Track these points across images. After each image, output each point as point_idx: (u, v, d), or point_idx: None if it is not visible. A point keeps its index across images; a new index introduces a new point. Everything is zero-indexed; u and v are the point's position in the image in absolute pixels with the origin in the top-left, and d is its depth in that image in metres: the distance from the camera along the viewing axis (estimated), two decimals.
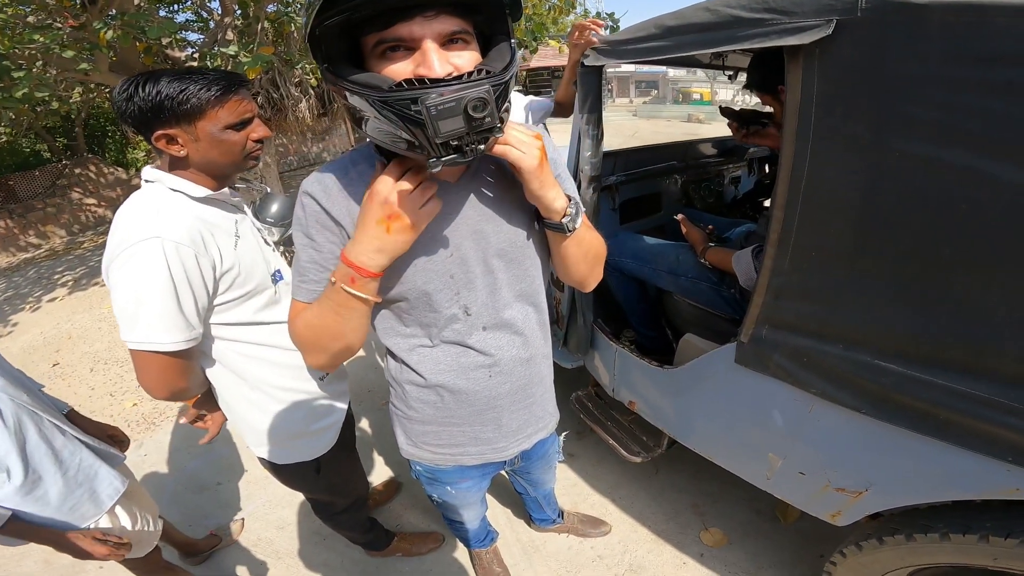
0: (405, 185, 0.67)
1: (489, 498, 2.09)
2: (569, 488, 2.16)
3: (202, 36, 4.92)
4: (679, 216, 1.80)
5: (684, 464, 2.15)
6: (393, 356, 0.96)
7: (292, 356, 1.18)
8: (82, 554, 1.19)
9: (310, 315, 0.79)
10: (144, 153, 10.57)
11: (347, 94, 0.62)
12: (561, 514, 1.90)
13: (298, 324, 0.81)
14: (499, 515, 2.06)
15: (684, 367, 1.49)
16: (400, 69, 0.62)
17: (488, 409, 0.98)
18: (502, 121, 0.63)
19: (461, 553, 1.92)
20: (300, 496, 2.18)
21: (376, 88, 0.59)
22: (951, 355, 0.90)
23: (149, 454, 2.59)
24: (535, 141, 0.71)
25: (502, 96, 0.62)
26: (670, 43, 1.15)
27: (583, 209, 0.86)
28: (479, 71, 0.61)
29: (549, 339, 1.05)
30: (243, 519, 2.14)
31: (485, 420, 1.00)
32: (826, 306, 1.03)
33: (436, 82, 0.58)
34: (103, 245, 6.58)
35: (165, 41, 4.35)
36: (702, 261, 1.64)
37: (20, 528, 1.13)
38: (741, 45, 0.99)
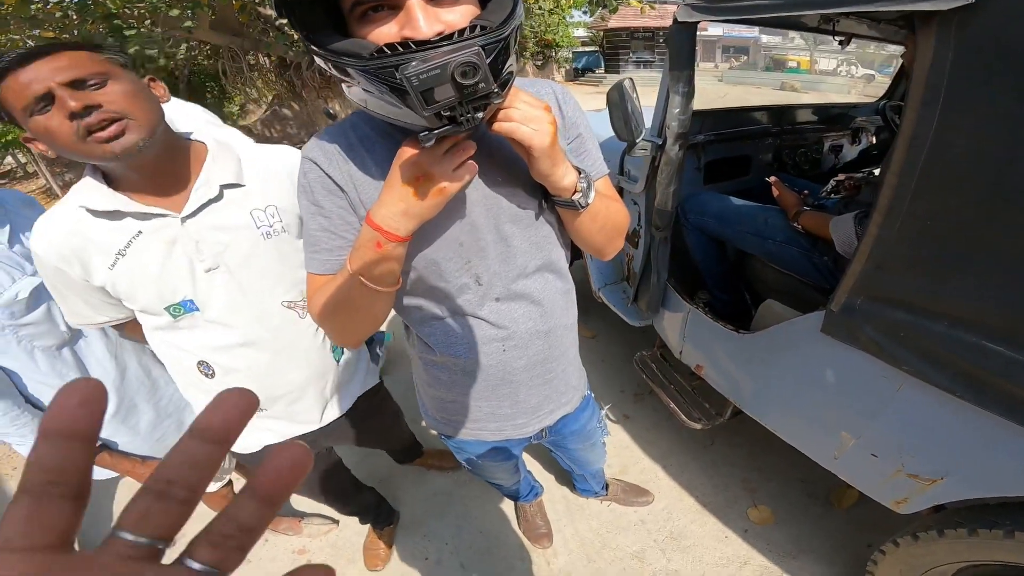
0: (435, 149, 0.61)
1: (535, 456, 2.13)
2: (621, 451, 2.16)
3: None
4: (772, 178, 1.71)
5: (741, 438, 2.10)
6: (407, 327, 0.94)
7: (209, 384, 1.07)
8: None
9: (330, 297, 0.73)
10: (238, 107, 11.14)
11: (329, 65, 0.56)
12: (606, 486, 1.85)
13: (317, 303, 0.75)
14: (545, 472, 2.09)
15: (763, 332, 1.43)
16: (383, 32, 0.55)
17: (503, 384, 0.93)
18: (504, 84, 0.56)
19: (507, 504, 1.98)
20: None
21: (356, 56, 0.53)
22: None
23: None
24: (545, 115, 0.63)
25: (501, 55, 0.54)
26: (780, 1, 1.06)
27: (598, 177, 0.84)
28: (472, 28, 0.53)
29: (573, 308, 0.99)
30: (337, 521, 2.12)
31: (500, 395, 0.95)
32: (934, 280, 0.96)
33: (423, 44, 0.51)
34: None
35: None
36: (794, 225, 1.57)
37: (108, 457, 1.19)
38: (867, 7, 0.90)
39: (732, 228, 1.76)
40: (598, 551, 1.78)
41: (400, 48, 0.51)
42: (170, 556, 0.22)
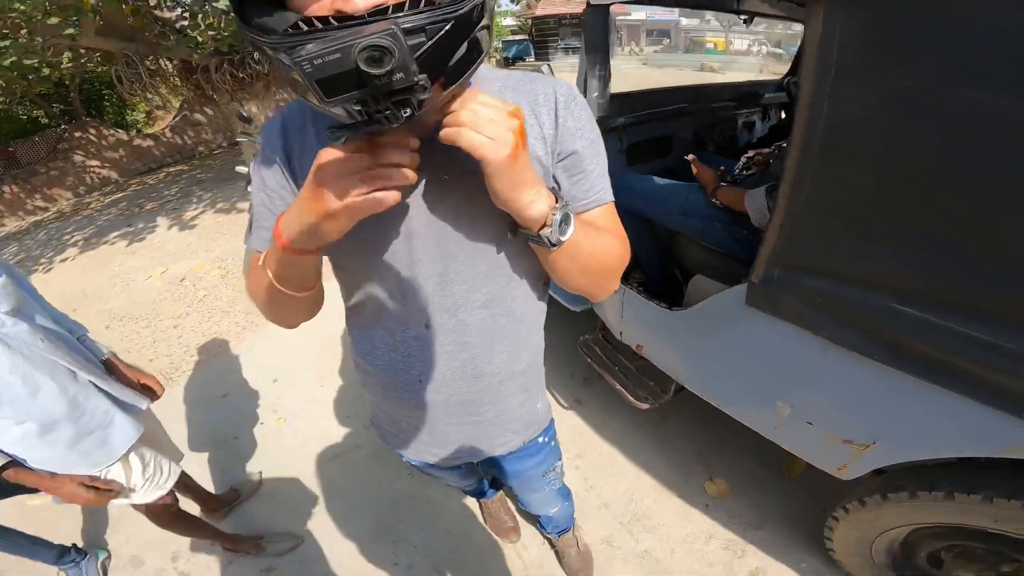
0: (341, 158, 0.49)
1: None
2: (577, 436, 2.19)
3: None
4: (690, 156, 1.77)
5: (692, 412, 2.16)
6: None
7: None
8: (69, 498, 1.23)
9: (252, 280, 0.69)
10: (144, 115, 10.45)
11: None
12: (562, 532, 1.67)
13: (248, 282, 0.71)
14: None
15: (693, 308, 1.47)
16: (316, 5, 0.46)
17: (418, 410, 0.85)
18: (439, 75, 0.45)
19: (472, 502, 1.97)
20: (317, 448, 2.28)
21: (266, 31, 0.45)
22: (972, 301, 0.87)
23: (168, 408, 2.61)
24: (507, 120, 0.51)
25: (446, 39, 0.44)
26: None
27: (593, 206, 0.71)
28: (417, 2, 0.43)
29: (525, 353, 0.86)
30: (260, 472, 2.19)
31: (417, 420, 0.88)
32: (842, 247, 1.00)
33: (347, 21, 0.43)
34: (111, 204, 6.53)
35: (153, 2, 4.20)
36: (713, 201, 1.63)
37: (16, 472, 1.17)
38: None
39: (658, 208, 1.80)
40: None
41: (317, 24, 0.43)
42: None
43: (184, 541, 1.88)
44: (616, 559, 1.72)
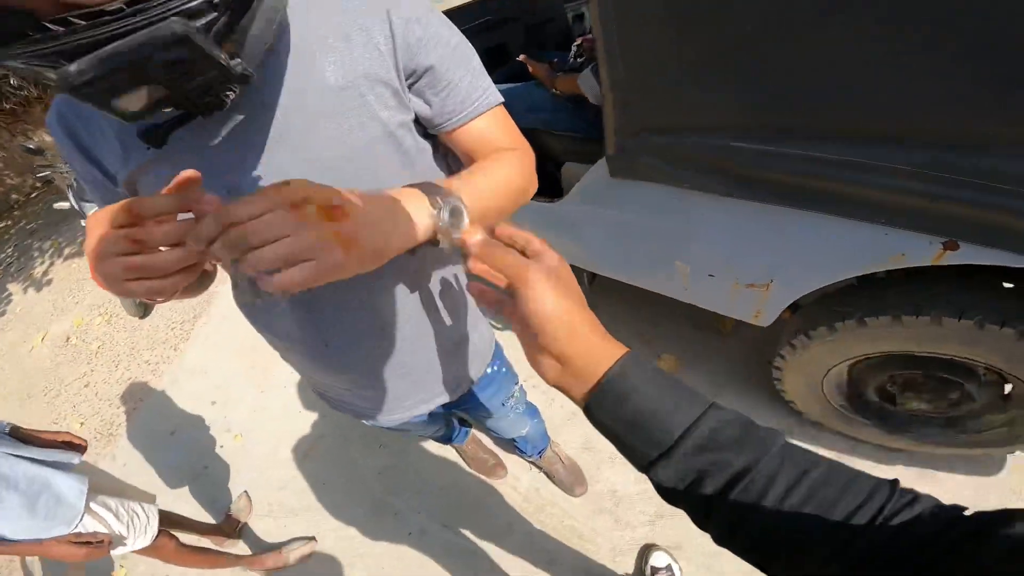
0: (99, 237, 0.41)
1: None
2: (516, 349, 2.20)
3: None
4: (521, 57, 1.86)
5: (618, 295, 2.16)
6: None
7: None
8: (66, 558, 1.30)
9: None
10: None
11: None
12: (541, 452, 1.69)
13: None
14: None
15: (569, 195, 1.51)
16: None
17: (341, 374, 0.81)
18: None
19: (452, 452, 2.00)
20: (286, 452, 2.25)
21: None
22: (793, 122, 0.90)
23: (127, 462, 2.53)
24: (300, 228, 0.40)
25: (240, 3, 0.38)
26: None
27: (482, 110, 0.65)
28: None
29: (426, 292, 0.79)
30: (246, 491, 2.16)
31: (347, 384, 0.84)
32: (667, 101, 1.05)
33: (90, 16, 0.33)
34: None
35: None
36: (554, 92, 1.70)
37: (5, 548, 1.23)
38: None
39: (509, 112, 1.76)
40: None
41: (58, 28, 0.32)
42: None
43: None
44: (602, 461, 1.80)
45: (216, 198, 0.42)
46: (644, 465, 0.40)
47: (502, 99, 0.68)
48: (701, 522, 0.39)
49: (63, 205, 3.31)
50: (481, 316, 0.95)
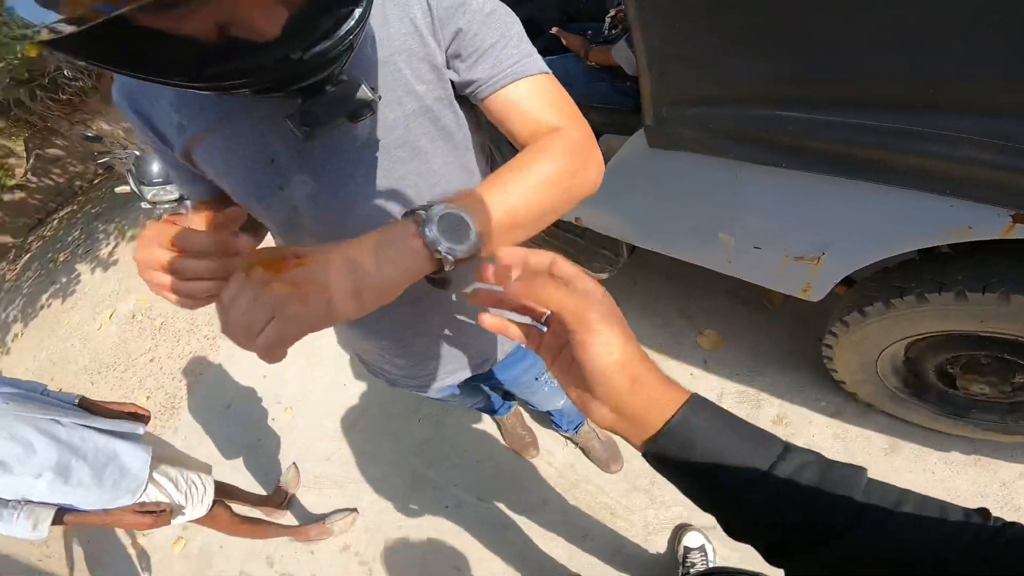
0: (145, 248, 0.47)
1: None
2: None
3: None
4: (554, 29, 1.83)
5: (658, 270, 2.13)
6: None
7: None
8: (133, 527, 1.37)
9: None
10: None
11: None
12: (578, 427, 1.74)
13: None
14: None
15: (608, 165, 1.45)
16: (190, 25, 0.38)
17: (372, 340, 0.85)
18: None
19: (489, 426, 2.03)
20: (333, 425, 2.35)
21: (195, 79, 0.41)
22: (850, 90, 0.85)
23: (187, 435, 2.71)
24: (263, 290, 0.41)
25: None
26: None
27: (487, 92, 0.62)
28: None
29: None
30: (294, 463, 2.28)
31: (382, 349, 0.87)
32: (707, 71, 1.00)
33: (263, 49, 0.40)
34: (24, 269, 6.06)
35: None
36: (589, 64, 1.70)
37: (74, 517, 1.29)
38: None
39: None
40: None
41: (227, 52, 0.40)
42: None
43: (271, 548, 2.04)
44: None
45: (249, 244, 0.45)
46: (714, 511, 0.38)
47: (546, 69, 0.63)
48: (774, 560, 0.37)
49: (124, 189, 3.50)
50: None
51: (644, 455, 0.40)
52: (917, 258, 1.14)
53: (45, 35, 0.30)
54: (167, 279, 0.46)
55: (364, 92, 0.48)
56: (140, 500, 1.38)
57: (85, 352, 3.94)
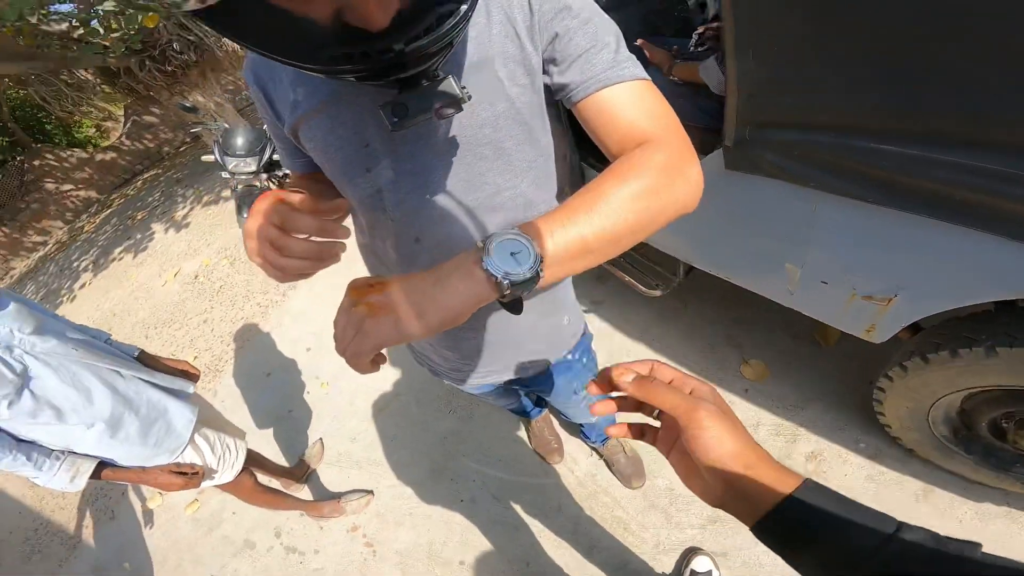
0: (253, 222, 0.54)
1: None
2: (601, 338, 2.18)
3: (73, 3, 4.35)
4: (639, 41, 1.78)
5: (712, 294, 2.11)
6: None
7: None
8: (165, 487, 1.35)
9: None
10: (94, 129, 10.13)
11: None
12: (605, 440, 1.76)
13: None
14: None
15: None
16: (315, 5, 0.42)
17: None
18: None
19: (516, 426, 2.04)
20: (364, 405, 2.40)
21: (308, 59, 0.45)
22: (958, 128, 0.80)
23: (225, 399, 2.80)
24: (355, 315, 0.48)
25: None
26: None
27: (580, 96, 0.62)
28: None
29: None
30: (321, 439, 2.32)
31: (435, 343, 0.90)
32: (803, 94, 0.97)
33: (370, 38, 0.42)
34: (103, 223, 6.51)
35: (35, 19, 3.86)
36: (672, 79, 1.66)
37: (112, 472, 1.29)
38: None
39: None
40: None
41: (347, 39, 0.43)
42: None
43: (281, 519, 2.07)
44: (665, 459, 1.74)
45: (347, 232, 0.57)
46: None
47: (643, 75, 0.61)
48: None
49: (208, 158, 3.72)
50: (572, 306, 0.97)
51: (753, 530, 0.42)
52: (992, 309, 1.09)
53: (193, 4, 0.34)
54: (267, 250, 0.53)
55: (455, 90, 0.50)
56: (176, 460, 1.38)
57: (146, 306, 4.16)
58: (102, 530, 2.40)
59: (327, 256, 0.55)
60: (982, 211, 0.85)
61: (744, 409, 1.78)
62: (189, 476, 1.38)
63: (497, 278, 0.46)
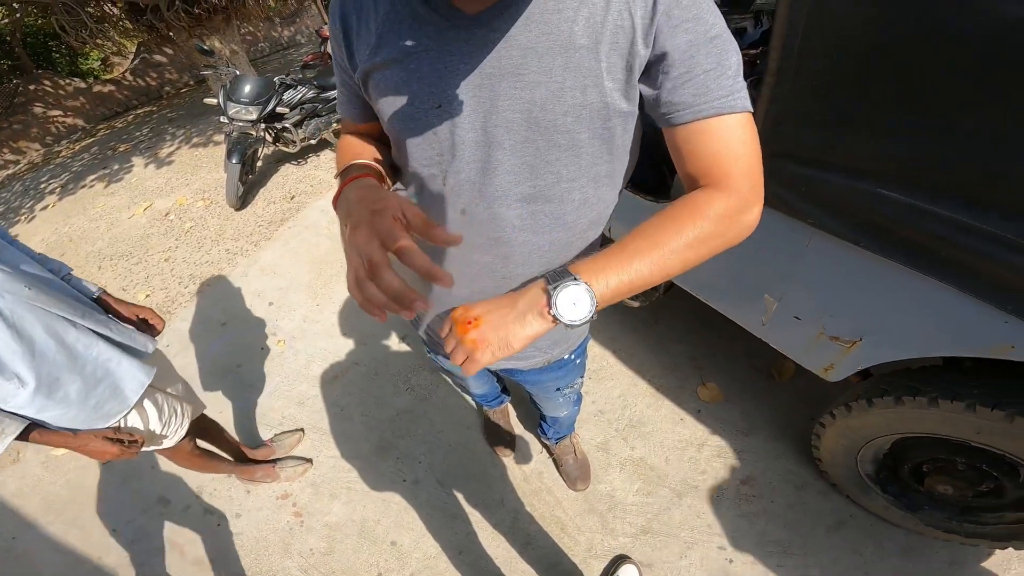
0: (351, 251, 0.55)
1: None
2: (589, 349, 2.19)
3: None
4: None
5: (684, 313, 2.16)
6: None
7: None
8: (97, 455, 1.18)
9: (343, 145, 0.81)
10: (99, 62, 9.90)
11: None
12: (558, 440, 1.72)
13: (340, 144, 0.82)
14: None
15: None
16: None
17: (439, 302, 0.86)
18: None
19: (472, 413, 2.02)
20: (318, 369, 2.32)
21: None
22: (958, 184, 0.84)
23: (171, 343, 2.66)
24: (459, 336, 0.61)
25: None
26: None
27: (684, 119, 0.59)
28: None
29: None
30: (302, 430, 2.11)
31: (437, 309, 0.89)
32: (828, 133, 0.98)
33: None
34: (82, 151, 6.25)
35: None
36: None
37: (40, 434, 1.12)
38: None
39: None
40: None
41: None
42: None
43: (205, 479, 1.96)
44: (611, 465, 1.77)
45: (450, 280, 0.55)
46: None
47: (750, 107, 0.60)
48: None
49: (211, 101, 3.70)
50: None
51: None
52: (940, 364, 1.15)
53: None
54: (362, 275, 0.52)
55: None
56: (114, 425, 1.22)
57: (106, 236, 3.99)
58: (1, 473, 2.19)
59: (406, 305, 0.51)
60: (962, 269, 0.89)
61: (693, 427, 1.83)
62: (127, 444, 1.22)
63: (562, 321, 0.57)
